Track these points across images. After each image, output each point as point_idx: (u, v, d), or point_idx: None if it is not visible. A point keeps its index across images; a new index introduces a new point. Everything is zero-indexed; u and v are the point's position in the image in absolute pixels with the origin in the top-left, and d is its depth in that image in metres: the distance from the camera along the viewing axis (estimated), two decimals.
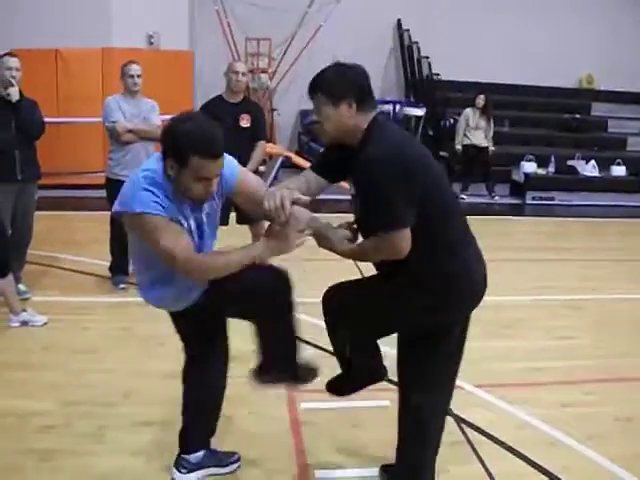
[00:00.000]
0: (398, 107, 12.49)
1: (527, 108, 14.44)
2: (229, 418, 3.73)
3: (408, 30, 14.22)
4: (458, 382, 4.27)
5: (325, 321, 3.21)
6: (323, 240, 2.96)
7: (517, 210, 11.76)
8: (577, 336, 5.64)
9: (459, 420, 4.04)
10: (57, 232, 8.13)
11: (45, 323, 5.37)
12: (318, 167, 3.13)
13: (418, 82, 14.11)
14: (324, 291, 3.18)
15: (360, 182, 2.84)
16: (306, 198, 2.89)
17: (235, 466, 3.49)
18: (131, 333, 5.26)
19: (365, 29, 13.73)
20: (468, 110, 11.90)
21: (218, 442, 3.52)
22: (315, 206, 2.99)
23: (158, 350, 4.85)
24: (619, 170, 12.81)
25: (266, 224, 5.83)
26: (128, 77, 6.15)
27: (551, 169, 12.56)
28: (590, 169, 12.67)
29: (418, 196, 2.75)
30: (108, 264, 6.43)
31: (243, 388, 4.31)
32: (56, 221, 8.60)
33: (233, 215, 6.38)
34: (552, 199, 12.21)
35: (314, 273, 6.27)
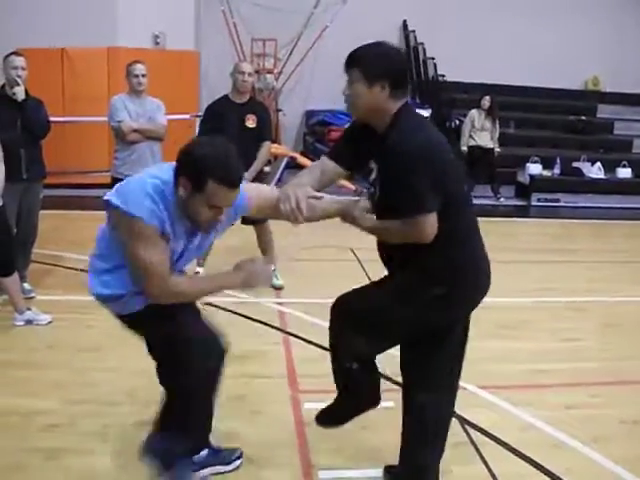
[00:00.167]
0: None
1: (533, 110, 14.41)
2: (233, 418, 3.73)
3: (414, 31, 14.22)
4: (462, 383, 4.25)
5: (334, 334, 3.14)
6: (347, 217, 2.99)
7: (522, 212, 11.75)
8: (582, 338, 5.62)
9: (463, 421, 4.03)
10: (62, 231, 8.14)
11: (49, 322, 5.37)
12: (335, 154, 3.10)
13: (424, 83, 14.11)
14: (333, 302, 3.13)
15: (387, 167, 2.83)
16: (320, 195, 2.90)
17: (238, 462, 3.47)
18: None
19: (371, 30, 13.55)
20: (474, 111, 11.89)
21: (222, 441, 3.51)
22: None
23: None
24: (625, 172, 12.79)
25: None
26: (133, 77, 6.16)
27: (556, 171, 12.54)
28: (596, 171, 12.65)
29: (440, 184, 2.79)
30: None
31: (246, 388, 4.33)
32: (61, 220, 8.61)
33: None
34: (557, 201, 12.19)
35: (314, 273, 6.30)
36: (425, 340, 2.99)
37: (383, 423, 3.43)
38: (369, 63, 2.81)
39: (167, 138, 6.41)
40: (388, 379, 3.86)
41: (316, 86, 13.81)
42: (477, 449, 3.78)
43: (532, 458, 3.69)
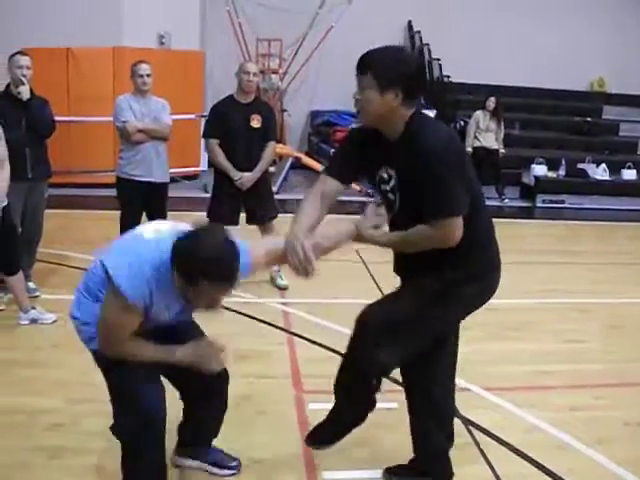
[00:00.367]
0: None
1: (538, 111, 14.40)
2: (237, 419, 3.73)
3: (419, 32, 14.22)
4: (466, 384, 4.27)
5: (360, 348, 3.07)
6: (360, 239, 2.97)
7: (527, 213, 11.73)
8: (586, 340, 5.62)
9: (467, 422, 4.03)
10: (67, 230, 8.15)
11: (54, 321, 5.38)
12: (335, 168, 3.05)
13: (428, 84, 14.08)
14: (359, 318, 3.09)
15: (412, 170, 2.76)
16: (326, 244, 2.88)
17: (230, 472, 3.45)
18: None
19: (376, 30, 13.61)
20: (478, 112, 11.88)
21: (226, 442, 3.52)
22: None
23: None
24: (630, 174, 12.75)
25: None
26: (138, 77, 6.17)
27: (561, 172, 12.51)
28: (601, 172, 12.62)
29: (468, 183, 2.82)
30: None
31: (250, 388, 4.33)
32: (66, 219, 8.61)
33: (243, 215, 6.41)
34: (562, 202, 12.16)
35: (318, 274, 6.25)
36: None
37: (387, 424, 3.43)
38: (382, 69, 2.72)
39: (172, 138, 6.43)
40: (392, 380, 3.85)
41: (321, 86, 13.83)
42: (481, 450, 3.78)
43: (536, 459, 3.69)
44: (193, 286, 2.63)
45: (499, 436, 3.92)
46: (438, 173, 2.70)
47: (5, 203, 5.10)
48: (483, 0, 14.38)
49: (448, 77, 13.68)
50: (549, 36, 14.30)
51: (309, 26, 13.57)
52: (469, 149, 11.89)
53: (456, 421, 4.01)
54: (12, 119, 5.52)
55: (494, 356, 4.93)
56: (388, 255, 3.19)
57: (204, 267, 2.58)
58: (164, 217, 6.47)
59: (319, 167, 11.84)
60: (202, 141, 8.46)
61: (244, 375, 4.30)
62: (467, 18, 14.17)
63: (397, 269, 3.15)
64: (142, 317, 2.77)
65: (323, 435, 3.31)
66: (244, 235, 6.66)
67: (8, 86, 5.67)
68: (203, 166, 12.02)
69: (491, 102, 11.78)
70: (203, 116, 8.97)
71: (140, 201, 6.28)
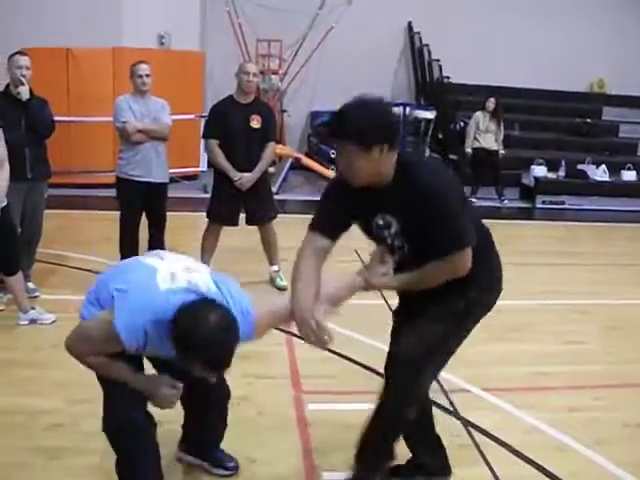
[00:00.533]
0: (408, 110, 12.48)
1: (538, 112, 14.40)
2: (238, 418, 3.73)
3: (419, 33, 14.22)
4: (466, 385, 4.27)
5: (400, 392, 3.03)
6: (369, 288, 2.95)
7: (527, 214, 11.73)
8: (586, 341, 5.62)
9: (466, 423, 4.03)
10: (67, 231, 8.15)
11: (54, 321, 5.37)
12: (322, 225, 2.92)
13: (428, 85, 14.11)
14: (389, 365, 3.09)
15: (416, 212, 2.73)
16: (335, 304, 2.86)
17: (225, 473, 3.45)
18: None
19: (376, 31, 13.73)
20: (478, 113, 11.88)
21: (225, 442, 3.51)
22: None
23: None
24: (630, 175, 12.77)
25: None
26: (137, 77, 6.17)
27: (561, 173, 12.52)
28: (600, 174, 12.63)
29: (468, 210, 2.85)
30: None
31: (249, 389, 4.33)
32: (66, 220, 8.62)
33: (243, 216, 6.41)
34: (562, 203, 12.17)
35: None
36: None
37: None
38: (361, 133, 2.62)
39: (171, 138, 6.42)
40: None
41: (321, 87, 13.83)
42: (480, 451, 3.78)
43: (535, 461, 3.69)
44: (185, 361, 2.62)
45: (498, 437, 3.92)
46: (443, 212, 2.71)
47: (4, 203, 5.10)
48: (483, 1, 14.39)
49: (448, 78, 13.68)
50: (549, 37, 14.31)
51: (309, 27, 13.58)
52: (469, 150, 11.92)
53: (455, 422, 4.03)
54: (11, 119, 5.51)
55: (493, 357, 4.93)
56: None
57: (198, 353, 2.57)
58: (164, 217, 6.48)
59: (319, 168, 11.86)
60: (202, 141, 8.46)
61: (243, 375, 4.30)
62: (467, 19, 14.18)
63: (404, 304, 3.14)
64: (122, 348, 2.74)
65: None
66: (247, 235, 6.66)
67: (7, 86, 5.67)
68: (203, 166, 12.02)
69: (491, 103, 11.78)
70: (203, 116, 8.97)
71: (140, 201, 6.28)
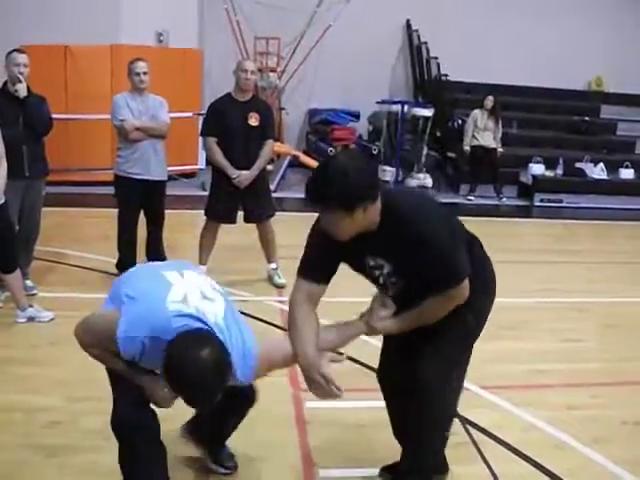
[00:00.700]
0: (406, 107, 12.47)
1: (536, 110, 14.40)
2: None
3: (417, 30, 14.21)
4: (464, 383, 4.26)
5: (426, 410, 3.02)
6: (371, 333, 2.96)
7: (525, 212, 11.74)
8: (583, 339, 5.63)
9: (464, 421, 4.03)
10: (65, 228, 8.15)
11: (52, 319, 5.37)
12: (312, 272, 2.90)
13: (427, 82, 14.10)
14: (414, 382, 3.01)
15: (409, 256, 2.72)
16: (339, 358, 2.86)
17: (222, 471, 3.46)
18: None
19: (374, 29, 13.72)
20: (476, 111, 11.89)
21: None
22: None
23: None
24: (627, 173, 12.77)
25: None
26: (134, 75, 6.16)
27: (559, 171, 12.53)
28: (598, 172, 12.63)
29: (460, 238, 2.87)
30: (115, 261, 6.44)
31: None
32: (64, 217, 8.61)
33: (241, 214, 6.41)
34: (560, 201, 12.17)
35: None
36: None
37: (383, 422, 3.43)
38: (343, 198, 2.58)
39: (170, 136, 6.42)
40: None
41: (319, 85, 13.83)
42: (478, 449, 3.78)
43: (533, 458, 3.70)
44: (170, 388, 2.61)
45: (496, 435, 3.93)
46: (436, 253, 2.70)
47: (2, 201, 5.10)
48: None
49: (446, 76, 13.68)
50: (547, 35, 14.31)
51: (307, 24, 13.55)
52: (467, 148, 11.93)
53: (454, 420, 4.03)
54: (9, 117, 5.51)
55: (491, 355, 4.92)
56: None
57: (179, 390, 2.56)
58: (162, 215, 6.49)
59: (317, 166, 11.85)
60: (200, 139, 8.46)
61: None
62: (465, 17, 14.17)
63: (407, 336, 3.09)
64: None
65: None
66: (245, 233, 6.66)
67: (5, 84, 5.66)
68: (201, 164, 12.02)
69: (489, 101, 11.79)
70: (201, 114, 8.97)
71: (138, 199, 6.28)
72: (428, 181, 12.11)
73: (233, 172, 6.12)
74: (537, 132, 14.02)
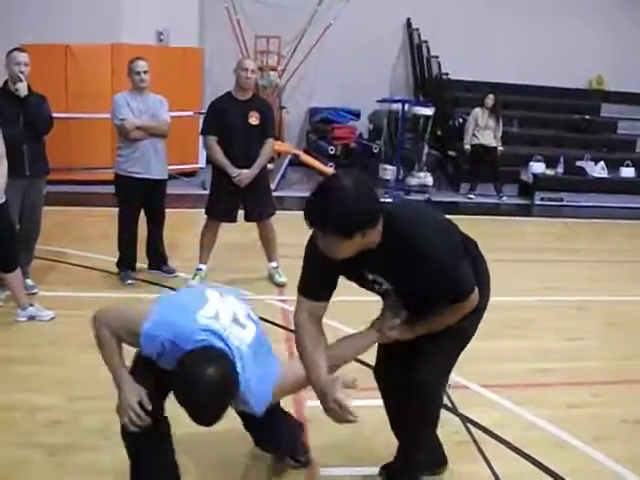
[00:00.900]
0: (407, 106, 12.44)
1: (536, 108, 14.38)
2: (235, 416, 3.72)
3: (417, 29, 14.20)
4: (465, 382, 4.27)
5: (425, 414, 3.10)
6: (387, 341, 2.97)
7: (525, 210, 11.73)
8: (584, 337, 5.63)
9: (465, 420, 4.04)
10: (65, 227, 8.15)
11: (52, 318, 5.38)
12: (312, 291, 2.89)
13: (427, 81, 14.09)
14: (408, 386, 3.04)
15: (412, 276, 2.70)
16: (353, 383, 2.84)
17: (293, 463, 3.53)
18: None
19: (375, 28, 13.72)
20: (477, 110, 11.88)
21: (224, 439, 3.52)
22: None
23: None
24: (628, 171, 12.77)
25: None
26: (135, 74, 6.16)
27: (560, 170, 12.52)
28: (599, 170, 12.63)
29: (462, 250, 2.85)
30: (116, 260, 6.45)
31: None
32: (65, 216, 8.61)
33: (241, 212, 6.40)
34: (561, 200, 12.17)
35: None
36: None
37: (384, 421, 3.42)
38: (341, 222, 2.51)
39: (170, 135, 6.42)
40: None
41: (320, 83, 13.82)
42: (479, 448, 3.79)
43: (534, 457, 3.70)
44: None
45: (497, 434, 3.93)
46: (442, 272, 2.67)
47: (3, 200, 5.10)
48: None
49: (447, 74, 13.66)
50: (548, 34, 14.30)
51: (308, 23, 13.55)
52: (467, 146, 11.93)
53: (454, 419, 4.04)
54: (10, 116, 5.51)
55: (492, 354, 4.93)
56: None
57: (183, 403, 2.56)
58: (162, 214, 6.49)
59: (317, 164, 11.85)
60: (200, 138, 8.45)
61: None
62: (466, 15, 14.16)
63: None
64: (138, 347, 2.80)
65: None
66: (245, 231, 6.63)
67: (6, 83, 5.65)
68: (201, 163, 12.02)
69: (489, 99, 11.78)
70: (201, 113, 8.96)
71: (138, 198, 6.28)
72: (428, 180, 12.10)
73: (233, 171, 6.11)
74: (538, 131, 14.01)
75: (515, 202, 12.15)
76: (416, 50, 14.38)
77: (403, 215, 2.77)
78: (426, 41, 13.93)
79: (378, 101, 13.29)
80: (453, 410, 4.14)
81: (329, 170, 10.97)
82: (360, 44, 13.43)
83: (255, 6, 13.22)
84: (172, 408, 2.83)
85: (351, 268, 2.79)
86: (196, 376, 2.51)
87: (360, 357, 4.36)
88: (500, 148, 11.97)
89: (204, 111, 6.72)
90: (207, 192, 6.61)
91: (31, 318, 5.34)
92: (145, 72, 6.16)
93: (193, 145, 11.68)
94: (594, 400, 4.49)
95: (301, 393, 4.22)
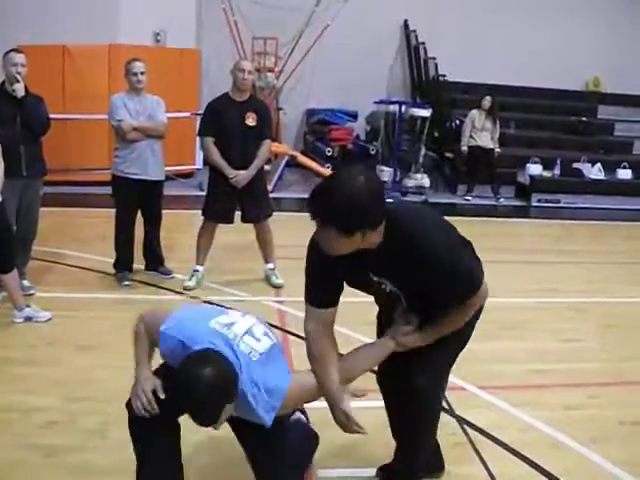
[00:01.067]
0: (404, 108, 12.46)
1: (533, 110, 14.39)
2: None
3: (415, 31, 14.21)
4: (461, 383, 4.27)
5: (423, 415, 3.09)
6: (403, 348, 2.94)
7: (522, 212, 11.74)
8: (582, 339, 5.63)
9: (462, 421, 4.04)
10: (62, 228, 8.14)
11: (49, 319, 5.37)
12: (318, 299, 2.88)
13: (424, 83, 14.10)
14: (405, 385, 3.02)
15: (417, 278, 2.67)
16: (360, 393, 2.86)
17: None
18: None
19: (372, 29, 13.73)
20: (474, 111, 11.89)
21: (223, 440, 3.51)
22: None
23: None
24: (625, 173, 12.79)
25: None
26: (132, 75, 6.16)
27: (557, 171, 12.53)
28: (596, 172, 12.64)
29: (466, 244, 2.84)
30: (113, 261, 6.44)
31: None
32: (62, 217, 8.60)
33: (238, 213, 6.40)
34: (557, 202, 12.18)
35: None
36: None
37: (383, 423, 3.42)
38: (343, 218, 2.47)
39: (167, 136, 6.42)
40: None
41: (317, 85, 13.83)
42: (476, 449, 3.78)
43: (531, 458, 3.70)
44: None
45: (494, 435, 3.93)
46: (445, 268, 2.64)
47: (0, 201, 5.09)
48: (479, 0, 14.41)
49: (444, 76, 13.67)
50: (545, 36, 14.32)
51: (305, 24, 13.55)
52: (464, 148, 11.94)
53: (451, 420, 4.03)
54: (7, 117, 5.51)
55: (489, 355, 4.93)
56: None
57: (178, 400, 2.64)
58: (159, 215, 6.49)
59: (314, 166, 11.84)
60: (197, 139, 8.45)
61: None
62: (463, 17, 14.18)
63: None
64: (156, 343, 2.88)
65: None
66: (242, 232, 6.63)
67: (3, 83, 5.65)
68: (198, 164, 12.00)
69: (487, 101, 11.79)
70: (198, 114, 8.96)
71: (135, 199, 6.28)
72: (425, 181, 12.11)
73: (230, 172, 6.11)
74: (534, 132, 14.02)
75: (512, 204, 12.16)
76: (413, 52, 14.39)
77: (403, 215, 2.74)
78: (423, 43, 13.94)
79: (375, 102, 13.31)
80: (450, 411, 4.14)
81: (326, 171, 10.97)
82: (358, 45, 13.44)
83: (252, 7, 13.23)
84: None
85: (354, 272, 2.77)
86: (192, 375, 2.56)
87: None
88: (497, 150, 11.99)
89: (201, 112, 6.72)
90: (204, 193, 6.61)
91: (28, 319, 5.33)
92: (142, 73, 6.16)
93: (190, 146, 11.67)
94: (591, 401, 4.49)
95: None
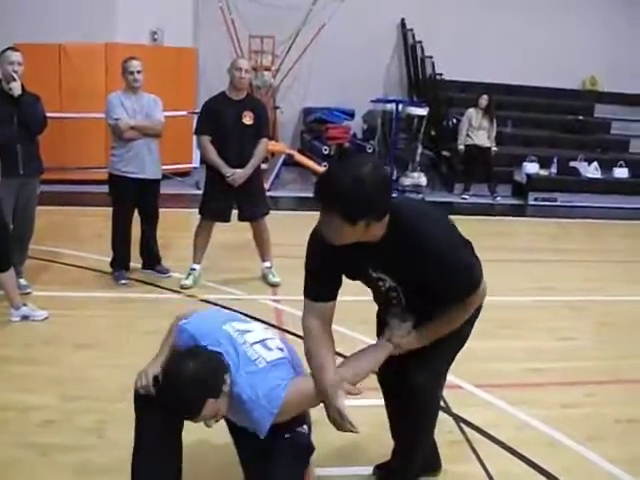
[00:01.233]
0: (401, 106, 12.45)
1: (530, 109, 14.40)
2: None
3: (412, 29, 14.21)
4: (458, 382, 4.27)
5: (424, 416, 3.12)
6: (400, 349, 2.93)
7: (519, 211, 11.75)
8: (578, 337, 5.64)
9: (458, 419, 4.04)
10: (59, 227, 8.13)
11: (46, 318, 5.36)
12: (316, 293, 2.87)
13: (421, 81, 14.09)
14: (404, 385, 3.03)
15: (417, 274, 2.66)
16: (357, 391, 2.85)
17: None
18: (132, 329, 5.25)
19: (369, 28, 13.72)
20: (471, 110, 11.90)
21: (220, 440, 3.51)
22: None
23: (159, 346, 4.84)
24: (621, 172, 12.79)
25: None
26: (129, 74, 6.15)
27: (553, 170, 12.54)
28: (592, 171, 12.65)
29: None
30: (110, 259, 6.44)
31: None
32: (58, 216, 8.59)
33: (235, 212, 6.40)
34: (554, 200, 12.19)
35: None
36: None
37: (381, 422, 3.43)
38: (348, 204, 2.44)
39: (164, 135, 6.41)
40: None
41: (314, 83, 13.82)
42: (472, 448, 3.79)
43: (527, 457, 3.71)
44: None
45: (491, 433, 3.94)
46: (452, 268, 2.64)
47: None
48: None
49: (441, 75, 13.67)
50: (542, 34, 14.31)
51: (302, 23, 13.54)
52: (461, 147, 11.94)
53: (448, 418, 4.04)
54: (3, 115, 5.50)
55: (486, 353, 4.94)
56: None
57: (158, 390, 2.77)
58: (156, 214, 6.48)
59: (311, 164, 11.84)
60: (194, 138, 8.45)
61: None
62: (460, 16, 14.17)
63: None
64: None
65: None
66: (240, 231, 6.63)
67: None
68: (195, 163, 12.01)
69: (483, 100, 11.80)
70: (195, 113, 8.94)
71: (132, 198, 6.28)
72: (422, 180, 12.10)
73: (227, 171, 6.11)
74: (531, 131, 14.03)
75: (509, 202, 12.15)
76: (410, 50, 14.38)
77: (408, 210, 2.72)
78: (420, 41, 13.93)
79: (372, 101, 13.30)
80: (447, 410, 4.14)
81: (323, 170, 10.96)
82: (354, 44, 13.43)
83: (249, 6, 13.21)
84: None
85: (354, 265, 2.77)
86: (175, 365, 2.67)
87: None
88: (494, 148, 11.99)
89: (198, 111, 6.72)
90: (201, 192, 6.61)
91: (25, 318, 5.33)
92: (139, 72, 6.15)
93: (187, 145, 11.67)
94: (587, 400, 4.50)
95: None
